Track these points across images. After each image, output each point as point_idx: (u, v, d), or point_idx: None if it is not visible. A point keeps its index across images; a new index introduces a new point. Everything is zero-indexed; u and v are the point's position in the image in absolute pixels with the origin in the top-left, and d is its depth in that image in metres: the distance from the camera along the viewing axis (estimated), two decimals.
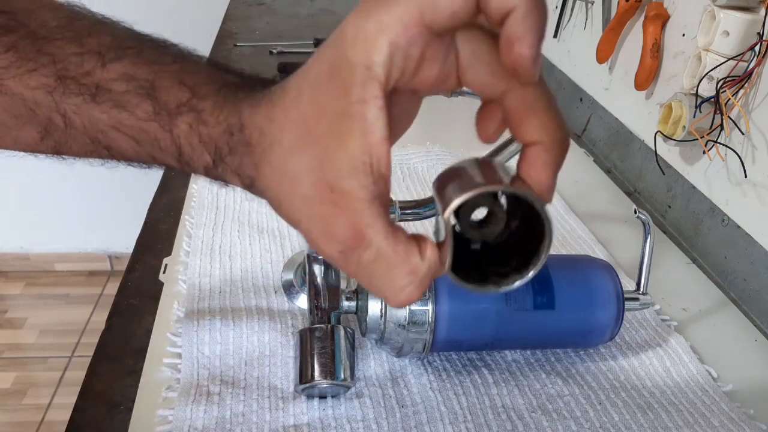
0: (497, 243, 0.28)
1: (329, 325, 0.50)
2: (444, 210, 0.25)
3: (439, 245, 0.27)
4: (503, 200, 0.27)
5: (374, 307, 0.50)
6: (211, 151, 0.28)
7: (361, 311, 0.51)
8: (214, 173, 0.29)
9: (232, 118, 0.27)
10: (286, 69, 1.18)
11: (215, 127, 0.28)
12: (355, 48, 0.23)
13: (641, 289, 0.55)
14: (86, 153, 0.31)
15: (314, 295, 0.52)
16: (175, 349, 0.54)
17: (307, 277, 0.53)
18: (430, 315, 0.49)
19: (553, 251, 0.73)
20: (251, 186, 0.29)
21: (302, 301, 0.59)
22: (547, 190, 0.26)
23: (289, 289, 0.61)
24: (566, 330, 0.52)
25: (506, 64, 0.23)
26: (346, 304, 0.52)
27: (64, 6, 0.31)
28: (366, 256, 0.25)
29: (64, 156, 0.32)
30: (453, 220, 0.25)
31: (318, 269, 0.52)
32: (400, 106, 0.27)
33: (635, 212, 0.54)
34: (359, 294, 0.51)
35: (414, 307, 0.49)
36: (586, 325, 0.52)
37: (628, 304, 0.53)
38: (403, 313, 0.49)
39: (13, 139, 0.31)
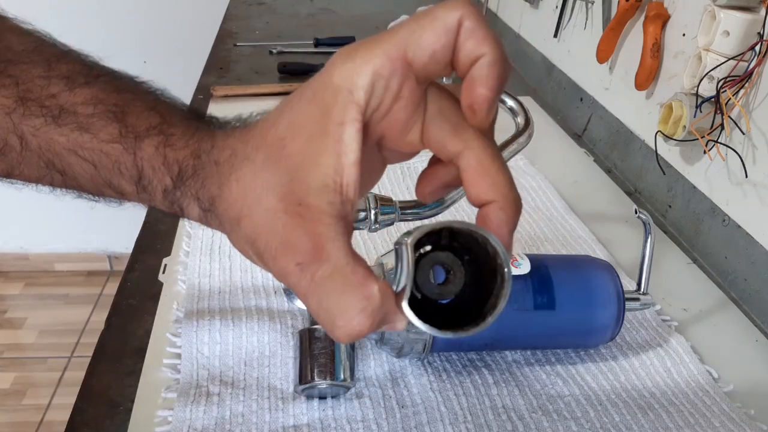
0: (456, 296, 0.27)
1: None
2: (407, 240, 0.25)
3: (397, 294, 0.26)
4: (461, 262, 0.27)
5: None
6: (173, 173, 0.28)
7: None
8: (172, 197, 0.29)
9: (204, 143, 0.28)
10: (286, 69, 1.17)
11: (183, 149, 0.28)
12: (342, 73, 0.25)
13: (642, 290, 0.55)
14: (38, 178, 0.30)
15: None
16: (174, 349, 0.53)
17: None
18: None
19: (553, 251, 0.73)
20: (209, 208, 0.28)
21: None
22: (505, 248, 0.26)
23: (288, 289, 0.60)
24: (566, 330, 0.52)
25: (465, 103, 0.25)
26: None
27: (33, 33, 0.30)
28: (322, 271, 0.25)
29: (13, 180, 0.31)
30: (413, 254, 0.25)
31: None
32: (367, 161, 0.27)
33: (636, 212, 0.54)
34: None
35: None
36: (586, 325, 0.52)
37: (628, 305, 0.53)
38: None
39: None
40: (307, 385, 0.48)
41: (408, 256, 0.25)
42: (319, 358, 0.48)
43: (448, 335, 0.26)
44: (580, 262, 0.55)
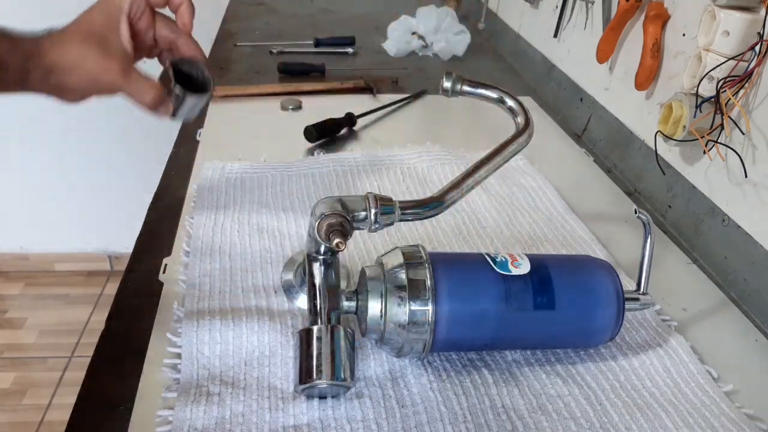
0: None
1: (329, 326, 0.49)
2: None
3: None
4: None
5: (374, 307, 0.50)
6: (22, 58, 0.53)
7: (361, 311, 0.51)
8: (21, 72, 0.53)
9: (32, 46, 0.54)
10: (288, 69, 1.18)
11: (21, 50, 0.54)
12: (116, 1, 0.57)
13: (641, 290, 0.55)
14: None
15: (314, 295, 0.52)
16: (174, 349, 0.53)
17: (307, 277, 0.53)
18: (430, 315, 0.49)
19: (553, 251, 0.73)
20: (50, 70, 0.54)
21: (302, 301, 0.59)
22: (190, 28, 0.62)
23: (289, 289, 0.61)
24: (566, 330, 0.53)
25: (179, 21, 0.61)
26: (346, 304, 0.51)
27: None
28: (126, 80, 0.57)
29: None
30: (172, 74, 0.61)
31: (318, 269, 0.52)
32: (134, 41, 0.58)
33: (635, 212, 0.54)
34: (359, 294, 0.51)
35: (414, 307, 0.48)
36: (586, 325, 0.52)
37: (628, 305, 0.53)
38: (403, 314, 0.49)
39: None
40: (307, 385, 0.48)
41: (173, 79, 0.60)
42: (319, 358, 0.48)
43: (190, 94, 0.60)
44: (579, 262, 0.55)
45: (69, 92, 0.56)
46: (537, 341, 0.54)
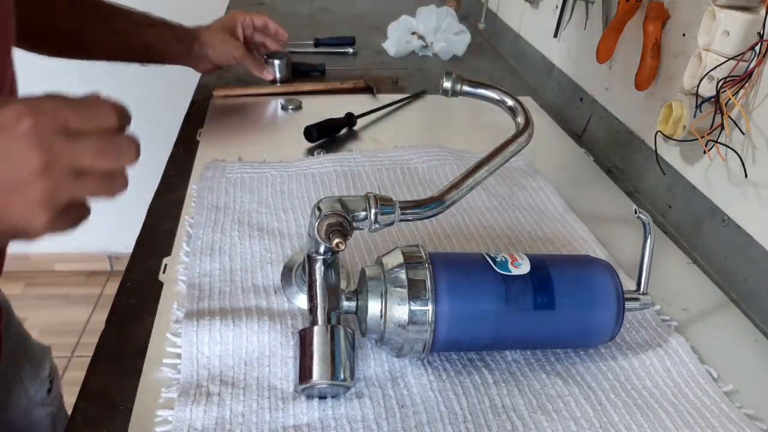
0: None
1: (329, 326, 0.49)
2: None
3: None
4: None
5: (374, 307, 0.50)
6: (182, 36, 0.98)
7: (360, 311, 0.51)
8: (185, 41, 0.98)
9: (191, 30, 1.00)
10: (295, 69, 1.17)
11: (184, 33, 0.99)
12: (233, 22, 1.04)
13: (642, 289, 0.55)
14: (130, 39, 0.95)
15: (314, 295, 0.52)
16: (174, 349, 0.53)
17: (307, 277, 0.53)
18: (430, 315, 0.49)
19: (553, 251, 0.73)
20: (202, 43, 0.99)
21: (302, 301, 0.59)
22: (284, 36, 1.11)
23: (289, 289, 0.61)
24: (566, 330, 0.52)
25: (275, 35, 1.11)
26: (346, 304, 0.51)
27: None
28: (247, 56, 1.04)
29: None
30: None
31: (318, 269, 0.52)
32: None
33: (635, 212, 0.54)
34: (359, 294, 0.51)
35: (414, 307, 0.48)
36: (586, 325, 0.52)
37: (628, 304, 0.53)
38: (403, 314, 0.49)
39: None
40: (307, 385, 0.48)
41: None
42: (319, 358, 0.48)
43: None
44: (580, 261, 0.55)
45: (207, 63, 0.99)
46: (537, 341, 0.54)
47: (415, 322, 0.49)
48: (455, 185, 0.56)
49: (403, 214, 0.53)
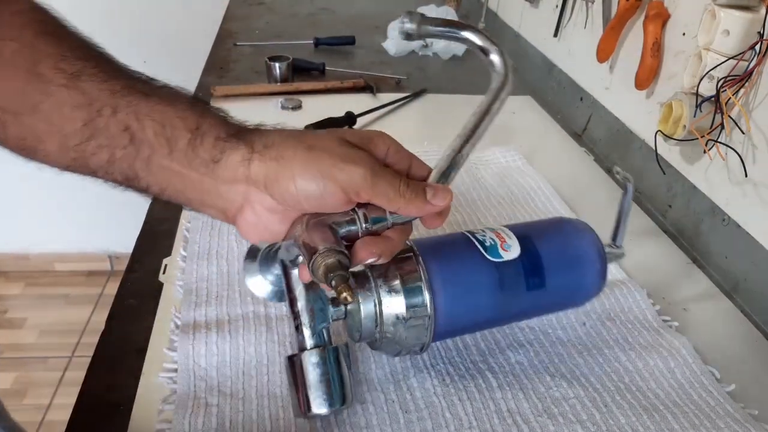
0: None
1: (320, 348, 0.44)
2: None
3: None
4: None
5: (368, 308, 0.47)
6: (229, 130, 0.42)
7: (351, 315, 0.47)
8: (224, 143, 0.41)
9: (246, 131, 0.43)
10: (295, 68, 1.17)
11: (235, 125, 0.43)
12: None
13: (617, 243, 0.57)
14: (112, 138, 0.39)
15: (297, 313, 0.45)
16: (170, 364, 0.52)
17: (286, 292, 0.46)
18: (429, 306, 0.46)
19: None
20: (266, 146, 0.41)
21: (260, 288, 0.49)
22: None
23: (252, 278, 0.49)
24: (557, 300, 0.54)
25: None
26: (333, 311, 0.46)
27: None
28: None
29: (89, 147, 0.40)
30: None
31: (296, 282, 0.45)
32: None
33: (616, 172, 0.55)
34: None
35: (411, 300, 0.46)
36: (575, 291, 0.54)
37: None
38: (400, 309, 0.46)
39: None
40: (306, 417, 0.45)
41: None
42: (315, 388, 0.43)
43: None
44: (560, 228, 0.56)
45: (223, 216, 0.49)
46: (529, 315, 0.56)
47: (415, 316, 0.46)
48: (443, 173, 0.46)
49: (393, 216, 0.44)
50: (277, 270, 0.47)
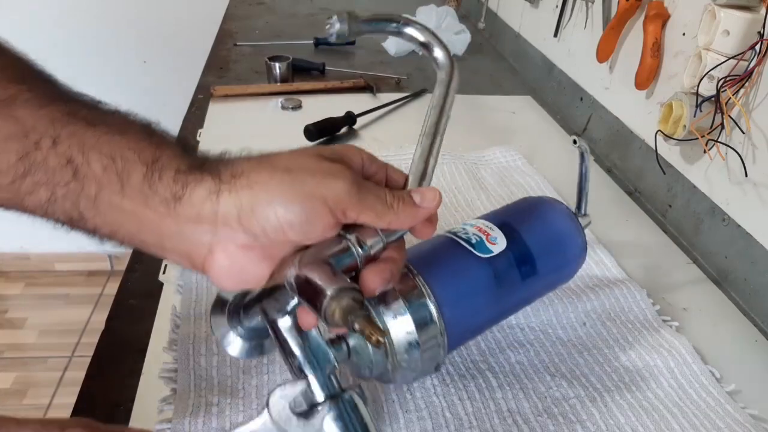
0: None
1: (334, 400, 0.38)
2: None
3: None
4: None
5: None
6: (190, 162, 0.36)
7: (356, 352, 0.42)
8: (185, 177, 0.35)
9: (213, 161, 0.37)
10: (295, 68, 1.17)
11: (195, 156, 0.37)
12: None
13: (582, 211, 0.60)
14: (52, 173, 0.34)
15: (299, 367, 0.39)
16: (171, 364, 0.52)
17: (279, 349, 0.40)
18: (438, 324, 0.44)
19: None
20: (234, 176, 0.36)
21: (237, 349, 0.44)
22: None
23: (220, 330, 0.43)
24: (548, 282, 0.55)
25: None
26: (334, 355, 0.40)
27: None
28: None
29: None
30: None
31: (290, 334, 0.39)
32: None
33: (574, 142, 0.56)
34: (346, 336, 0.42)
35: (418, 318, 0.43)
36: (563, 267, 0.56)
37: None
38: (410, 330, 0.43)
39: None
40: None
41: None
42: None
43: None
44: (535, 209, 0.56)
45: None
46: (525, 304, 0.56)
47: (426, 334, 0.43)
48: (420, 176, 0.44)
49: (385, 234, 0.40)
50: (251, 322, 0.41)
